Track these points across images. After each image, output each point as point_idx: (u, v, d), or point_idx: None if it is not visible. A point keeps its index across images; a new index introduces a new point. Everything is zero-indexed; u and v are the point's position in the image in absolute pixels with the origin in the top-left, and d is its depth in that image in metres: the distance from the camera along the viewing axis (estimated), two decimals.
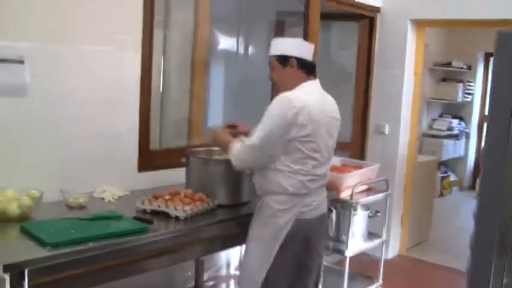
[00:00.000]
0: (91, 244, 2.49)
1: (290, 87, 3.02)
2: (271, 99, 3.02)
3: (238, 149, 2.97)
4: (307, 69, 3.07)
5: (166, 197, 3.10)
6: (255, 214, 3.10)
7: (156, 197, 3.10)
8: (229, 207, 3.29)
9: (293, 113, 2.84)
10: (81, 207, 3.05)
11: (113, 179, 3.44)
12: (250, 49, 5.55)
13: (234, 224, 3.20)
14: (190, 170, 3.40)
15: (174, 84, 4.30)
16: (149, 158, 3.71)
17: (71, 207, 3.04)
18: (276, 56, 3.07)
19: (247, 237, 3.11)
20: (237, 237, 3.23)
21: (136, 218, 2.88)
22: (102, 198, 3.27)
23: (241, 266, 3.26)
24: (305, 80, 3.05)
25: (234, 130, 3.32)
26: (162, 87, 4.19)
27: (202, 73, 4.33)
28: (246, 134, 3.17)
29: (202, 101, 4.37)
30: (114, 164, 3.51)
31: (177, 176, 3.57)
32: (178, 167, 3.52)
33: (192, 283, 4.21)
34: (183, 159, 3.41)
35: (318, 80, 3.12)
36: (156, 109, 4.02)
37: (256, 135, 2.91)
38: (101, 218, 2.79)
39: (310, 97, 2.96)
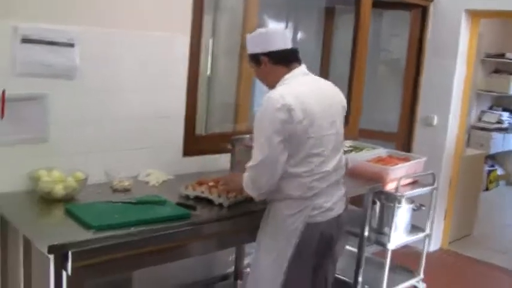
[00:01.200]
0: (133, 229, 2.51)
1: (274, 84, 2.78)
2: None
3: (246, 178, 2.70)
4: (285, 59, 2.78)
5: (211, 184, 3.09)
6: (262, 223, 2.87)
7: (200, 183, 3.09)
8: None
9: (284, 111, 2.56)
10: (126, 190, 3.08)
11: (158, 163, 3.46)
12: (299, 35, 5.49)
13: None
14: (235, 156, 3.39)
15: (222, 69, 4.28)
16: (195, 143, 3.72)
17: (115, 190, 3.07)
18: (249, 54, 2.85)
19: (256, 248, 2.89)
20: None
21: (179, 204, 2.88)
22: (147, 182, 3.29)
23: (250, 279, 2.93)
24: (287, 72, 2.77)
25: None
26: (210, 72, 4.18)
27: None
28: None
29: (250, 87, 4.35)
30: (159, 148, 3.53)
31: (222, 162, 3.57)
32: (223, 153, 3.52)
33: (232, 268, 4.22)
34: (229, 146, 3.40)
35: (303, 65, 2.84)
36: (203, 93, 4.01)
37: (256, 152, 2.64)
38: (145, 203, 2.81)
39: (299, 88, 2.69)
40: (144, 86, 3.39)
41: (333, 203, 2.82)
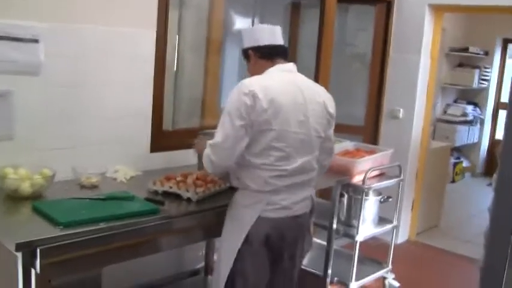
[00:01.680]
0: (102, 224, 2.50)
1: None
2: None
3: (205, 154, 2.75)
4: (269, 54, 2.86)
5: (179, 179, 3.09)
6: (228, 207, 2.92)
7: (168, 179, 3.10)
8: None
9: (250, 96, 2.60)
10: (94, 186, 3.06)
11: (126, 159, 3.45)
12: None
13: None
14: None
15: (189, 64, 4.28)
16: (162, 139, 3.72)
17: (83, 187, 3.05)
18: (241, 51, 2.96)
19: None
20: None
21: (148, 199, 2.88)
22: (115, 178, 3.28)
23: (216, 258, 3.08)
24: (270, 66, 2.84)
25: None
26: (177, 67, 4.17)
27: (217, 53, 4.31)
28: None
29: (217, 81, 4.36)
30: (126, 144, 3.52)
31: (189, 157, 3.57)
32: (190, 148, 3.52)
33: (202, 263, 4.23)
34: (195, 141, 3.40)
35: (289, 63, 2.91)
36: (170, 89, 4.00)
37: (219, 132, 2.69)
38: (113, 198, 2.80)
39: (271, 81, 2.72)
40: (111, 82, 3.38)
41: (292, 202, 2.83)
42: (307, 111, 2.79)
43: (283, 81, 2.77)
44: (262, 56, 2.86)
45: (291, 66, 2.90)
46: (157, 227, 2.71)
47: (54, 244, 2.32)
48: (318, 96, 2.88)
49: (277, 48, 2.88)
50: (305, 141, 2.79)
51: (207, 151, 2.73)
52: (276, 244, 2.85)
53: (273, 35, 2.89)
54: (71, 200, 2.74)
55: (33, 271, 2.29)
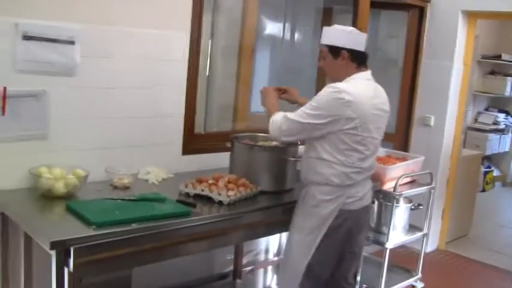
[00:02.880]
0: (134, 225, 2.51)
1: (340, 79, 2.97)
2: (316, 86, 3.00)
3: (277, 119, 2.97)
4: (359, 60, 3.00)
5: (210, 182, 3.10)
6: (298, 203, 3.10)
7: (200, 181, 3.11)
8: (272, 194, 3.28)
9: (341, 104, 2.80)
10: (126, 187, 3.08)
11: (158, 161, 3.47)
12: (297, 35, 5.50)
13: (276, 211, 3.19)
14: (235, 155, 3.40)
15: (221, 69, 4.29)
16: (194, 141, 3.73)
17: (115, 187, 3.08)
18: (327, 45, 3.00)
19: (290, 226, 3.11)
20: (279, 224, 3.22)
21: (179, 201, 2.89)
22: (146, 180, 3.29)
23: (284, 255, 3.23)
24: (356, 72, 2.98)
25: (285, 95, 3.36)
26: (209, 71, 4.18)
27: (249, 58, 4.31)
28: (293, 100, 3.34)
29: (248, 86, 4.36)
30: (159, 146, 3.54)
31: (221, 160, 3.58)
32: (222, 151, 3.53)
33: (231, 267, 4.23)
34: (228, 144, 3.41)
35: (369, 71, 3.06)
36: (202, 92, 4.02)
37: (302, 113, 2.89)
38: (145, 200, 2.81)
39: (360, 90, 2.90)
40: (144, 84, 3.40)
41: (364, 193, 3.08)
42: (383, 120, 3.07)
43: (369, 90, 2.97)
44: (354, 60, 2.98)
45: (370, 74, 3.07)
46: (188, 230, 2.72)
47: (87, 244, 2.34)
48: (387, 105, 3.12)
49: (365, 55, 3.05)
50: (377, 144, 3.09)
51: (280, 119, 2.96)
52: (354, 233, 3.10)
53: (365, 43, 3.04)
54: (103, 201, 2.77)
55: (66, 269, 2.30)
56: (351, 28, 3.08)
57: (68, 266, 2.30)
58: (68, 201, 2.71)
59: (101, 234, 2.39)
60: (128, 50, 3.29)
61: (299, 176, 3.17)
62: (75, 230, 2.39)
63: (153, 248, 2.60)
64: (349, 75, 2.97)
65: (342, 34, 3.00)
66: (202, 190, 3.03)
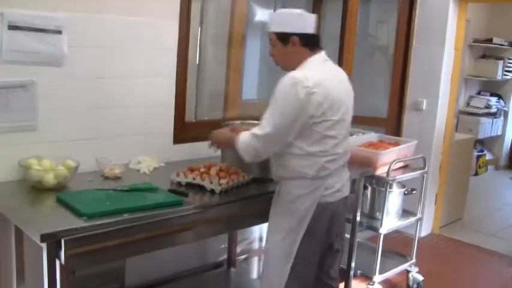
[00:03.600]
0: (126, 215, 2.49)
1: (294, 65, 2.81)
2: None
3: (246, 141, 2.75)
4: (311, 44, 2.84)
5: (202, 170, 3.09)
6: (273, 202, 2.95)
7: (191, 170, 3.09)
8: (263, 181, 3.25)
9: (305, 92, 2.64)
10: (117, 178, 3.07)
11: (149, 151, 3.45)
12: None
13: (268, 197, 3.15)
14: None
15: (211, 56, 4.26)
16: (185, 130, 3.71)
17: (106, 178, 3.06)
18: (275, 32, 2.83)
19: (267, 229, 2.99)
20: (268, 212, 3.19)
21: (171, 191, 2.87)
22: (138, 170, 3.28)
23: (265, 260, 3.02)
24: (310, 56, 2.82)
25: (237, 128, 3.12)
26: (199, 59, 4.15)
27: (239, 45, 4.29)
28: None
29: (239, 73, 4.34)
30: (150, 135, 3.52)
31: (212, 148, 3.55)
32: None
33: (225, 256, 4.22)
34: (213, 132, 3.38)
35: (323, 51, 2.90)
36: (192, 81, 3.99)
37: (268, 122, 2.69)
38: (136, 190, 2.79)
39: (319, 73, 2.75)
40: (133, 73, 3.38)
41: (341, 184, 2.94)
42: (347, 98, 2.91)
43: (330, 72, 2.86)
44: (306, 44, 2.82)
45: (325, 54, 2.92)
46: (180, 219, 2.70)
47: (78, 235, 2.31)
48: (348, 82, 2.99)
49: (317, 37, 2.91)
50: (348, 126, 2.93)
51: (249, 139, 2.74)
52: (334, 227, 2.96)
53: (314, 24, 2.88)
54: (94, 191, 2.74)
55: (57, 262, 2.28)
56: (298, 10, 2.87)
57: (59, 258, 2.27)
58: (59, 192, 2.68)
59: (91, 225, 2.36)
60: (116, 39, 3.26)
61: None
62: (66, 221, 2.37)
63: (145, 238, 2.58)
64: (303, 60, 2.82)
65: (289, 19, 2.83)
66: (194, 179, 3.01)
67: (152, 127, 3.53)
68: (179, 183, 3.03)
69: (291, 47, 2.81)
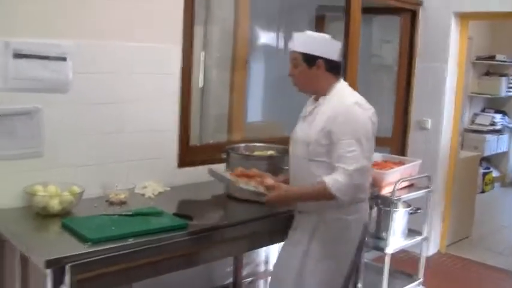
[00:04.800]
0: (131, 240, 2.50)
1: (314, 88, 2.88)
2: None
3: (342, 182, 2.62)
4: (336, 70, 2.88)
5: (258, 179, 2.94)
6: (310, 231, 2.87)
7: (247, 176, 2.98)
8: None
9: (370, 114, 2.78)
10: (122, 202, 3.07)
11: (154, 175, 3.45)
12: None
13: (274, 220, 3.16)
14: (231, 165, 3.38)
15: (215, 80, 4.28)
16: (189, 154, 3.72)
17: (111, 203, 3.06)
18: (301, 53, 2.83)
19: (307, 258, 2.87)
20: (278, 233, 3.19)
21: (176, 214, 2.88)
22: (143, 194, 3.28)
23: (297, 282, 2.89)
24: (335, 81, 2.87)
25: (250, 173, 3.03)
26: (203, 83, 4.17)
27: (243, 68, 4.31)
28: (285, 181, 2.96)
29: (242, 96, 4.35)
30: (154, 160, 3.53)
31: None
32: (219, 163, 3.52)
33: (231, 279, 4.20)
34: (223, 155, 3.40)
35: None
36: (197, 104, 4.01)
37: (357, 154, 2.65)
38: (141, 214, 2.80)
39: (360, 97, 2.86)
40: (138, 98, 3.40)
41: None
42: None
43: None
44: (331, 70, 2.85)
45: None
46: (185, 243, 2.69)
47: (83, 261, 2.32)
48: None
49: (341, 65, 2.97)
50: None
51: (346, 180, 2.62)
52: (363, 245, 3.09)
53: (340, 52, 2.93)
54: (99, 217, 2.75)
55: None
56: (327, 36, 2.92)
57: (64, 284, 2.27)
58: (64, 218, 2.69)
59: (96, 250, 2.37)
60: (120, 65, 3.29)
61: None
62: (71, 247, 2.38)
63: (150, 262, 2.58)
64: (329, 85, 2.85)
65: (318, 42, 2.86)
66: (255, 187, 2.86)
67: (157, 151, 3.54)
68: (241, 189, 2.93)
69: (316, 70, 2.83)
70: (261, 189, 2.81)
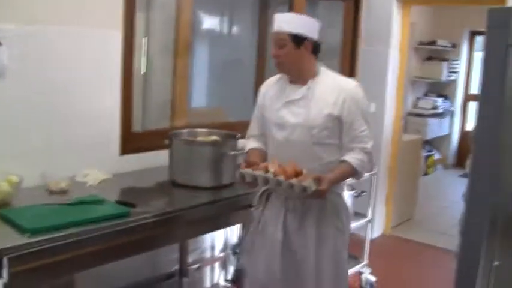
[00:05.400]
0: (72, 230, 2.44)
1: (304, 70, 2.83)
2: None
3: (364, 160, 2.80)
4: (316, 52, 2.88)
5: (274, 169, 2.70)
6: (323, 219, 2.85)
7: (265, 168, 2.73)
8: (213, 190, 3.24)
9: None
10: (63, 191, 2.99)
11: (95, 163, 3.38)
12: (234, 28, 5.47)
13: (218, 206, 3.15)
14: (174, 152, 3.34)
15: (158, 65, 4.22)
16: (132, 141, 3.66)
17: (52, 192, 2.98)
18: (290, 33, 2.75)
19: (328, 247, 2.86)
20: (221, 219, 3.19)
21: (118, 202, 2.83)
22: (84, 182, 3.21)
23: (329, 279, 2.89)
24: (316, 62, 2.88)
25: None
26: (146, 69, 4.11)
27: (186, 54, 4.25)
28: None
29: (186, 82, 4.30)
30: (96, 147, 3.45)
31: (161, 158, 3.51)
32: (162, 149, 3.47)
33: (177, 266, 4.17)
34: (166, 141, 3.35)
35: None
36: (139, 90, 3.94)
37: (369, 133, 2.84)
38: (83, 203, 2.74)
39: None
40: (78, 84, 3.32)
41: None
42: None
43: None
44: (314, 52, 2.86)
45: None
46: (128, 230, 2.65)
47: (22, 252, 2.26)
48: None
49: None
50: None
51: (368, 156, 2.82)
52: None
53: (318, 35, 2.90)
54: (38, 207, 2.67)
55: (0, 281, 2.22)
56: (314, 18, 2.91)
57: (2, 277, 2.21)
58: (1, 209, 2.61)
59: (36, 241, 2.31)
60: (59, 50, 3.20)
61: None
62: (9, 239, 2.30)
63: (93, 251, 2.52)
64: (313, 66, 2.86)
65: (305, 22, 2.83)
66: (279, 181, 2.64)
67: (99, 139, 3.47)
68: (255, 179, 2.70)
69: (303, 50, 2.79)
70: (308, 183, 2.58)
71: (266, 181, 2.66)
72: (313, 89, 2.82)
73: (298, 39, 2.77)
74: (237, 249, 4.28)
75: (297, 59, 2.81)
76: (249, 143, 3.05)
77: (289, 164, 2.65)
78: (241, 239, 3.16)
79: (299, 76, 2.85)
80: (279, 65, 2.87)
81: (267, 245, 2.90)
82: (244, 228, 3.14)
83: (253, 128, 3.07)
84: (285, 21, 2.80)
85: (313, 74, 2.85)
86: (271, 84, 3.00)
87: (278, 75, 2.99)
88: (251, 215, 3.03)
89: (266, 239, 2.91)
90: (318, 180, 2.60)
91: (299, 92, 2.83)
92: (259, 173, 2.66)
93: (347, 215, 2.96)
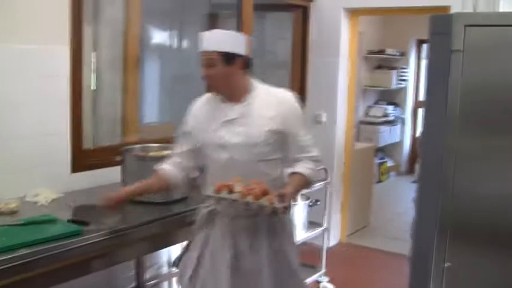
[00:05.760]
0: (23, 250, 2.40)
1: (237, 88, 2.71)
2: (207, 92, 2.86)
3: (314, 168, 2.79)
4: (248, 66, 2.74)
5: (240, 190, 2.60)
6: (278, 233, 2.80)
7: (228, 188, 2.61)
8: (165, 205, 3.22)
9: None
10: (13, 212, 2.93)
11: (46, 182, 3.32)
12: (184, 43, 5.47)
13: (173, 221, 3.13)
14: (126, 167, 3.31)
15: (107, 81, 4.18)
16: (83, 158, 3.61)
17: (1, 213, 2.91)
18: (219, 52, 2.62)
19: (288, 262, 2.84)
20: (175, 234, 3.16)
21: (71, 221, 2.79)
22: (35, 202, 3.15)
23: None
24: (249, 78, 2.75)
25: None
26: (96, 84, 4.06)
27: (135, 69, 4.22)
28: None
29: (136, 97, 4.27)
30: (46, 166, 3.39)
31: (113, 175, 3.47)
32: (114, 166, 3.43)
33: (134, 283, 4.12)
34: (118, 158, 3.32)
35: None
36: (89, 107, 3.90)
37: (312, 140, 2.80)
38: (33, 223, 2.69)
39: None
40: (25, 102, 3.26)
41: None
42: None
43: None
44: (245, 67, 2.71)
45: None
46: (81, 249, 2.61)
47: None
48: None
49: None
50: None
51: (316, 165, 2.81)
52: None
53: (249, 49, 2.78)
54: None
55: None
56: (240, 33, 2.83)
57: None
58: None
59: None
60: (3, 67, 3.14)
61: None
62: None
63: (44, 272, 2.48)
64: (246, 82, 2.74)
65: (233, 39, 2.68)
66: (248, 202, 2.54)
67: (48, 157, 3.41)
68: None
69: (235, 69, 2.66)
70: (273, 202, 2.50)
71: (233, 203, 2.57)
72: (250, 106, 2.71)
73: (228, 57, 2.64)
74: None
75: (229, 77, 2.68)
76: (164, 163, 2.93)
77: (252, 182, 2.55)
78: (178, 260, 3.00)
79: (233, 94, 2.73)
80: (210, 85, 2.77)
81: (215, 270, 2.75)
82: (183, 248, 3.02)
83: (176, 147, 2.97)
84: (213, 40, 2.67)
85: (247, 90, 2.73)
86: (202, 105, 2.87)
87: (206, 95, 2.89)
88: (193, 234, 2.88)
89: (213, 263, 2.76)
90: (281, 196, 2.53)
91: (235, 110, 2.72)
92: (225, 195, 2.56)
93: (293, 226, 2.99)
